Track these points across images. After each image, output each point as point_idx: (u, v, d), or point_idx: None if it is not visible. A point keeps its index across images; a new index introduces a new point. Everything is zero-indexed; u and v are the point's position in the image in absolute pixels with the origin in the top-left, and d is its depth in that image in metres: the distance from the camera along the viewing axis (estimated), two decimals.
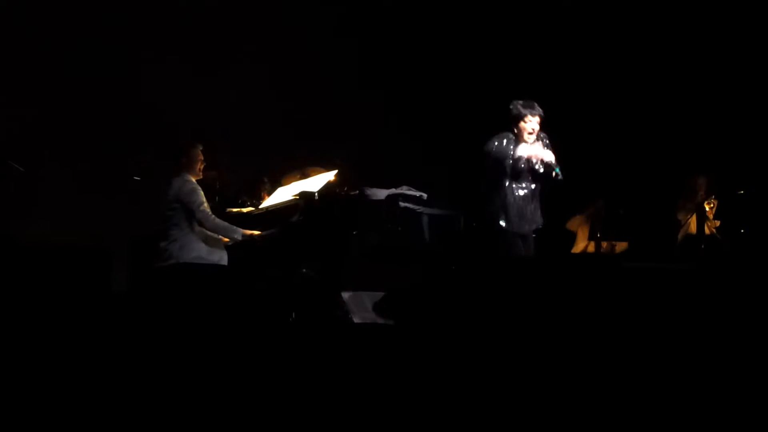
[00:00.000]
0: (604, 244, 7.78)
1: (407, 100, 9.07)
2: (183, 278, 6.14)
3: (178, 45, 8.66)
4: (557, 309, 5.08)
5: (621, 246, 7.79)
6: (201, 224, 6.23)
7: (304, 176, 7.06)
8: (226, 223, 6.34)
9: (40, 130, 8.18)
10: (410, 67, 9.17)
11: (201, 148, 6.41)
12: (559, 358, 4.83)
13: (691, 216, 7.63)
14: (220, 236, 6.33)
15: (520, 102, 6.43)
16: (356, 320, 5.96)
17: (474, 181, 6.61)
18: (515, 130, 6.43)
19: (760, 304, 4.93)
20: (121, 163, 8.04)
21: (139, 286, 7.06)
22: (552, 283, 5.28)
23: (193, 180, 6.35)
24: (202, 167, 6.43)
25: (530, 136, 6.38)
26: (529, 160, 6.33)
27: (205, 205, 6.27)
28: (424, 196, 6.71)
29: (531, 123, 6.37)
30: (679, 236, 7.68)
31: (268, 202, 6.82)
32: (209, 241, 6.28)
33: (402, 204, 6.57)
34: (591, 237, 7.97)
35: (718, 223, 7.61)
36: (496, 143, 6.39)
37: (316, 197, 6.38)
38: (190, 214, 6.22)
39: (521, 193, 6.38)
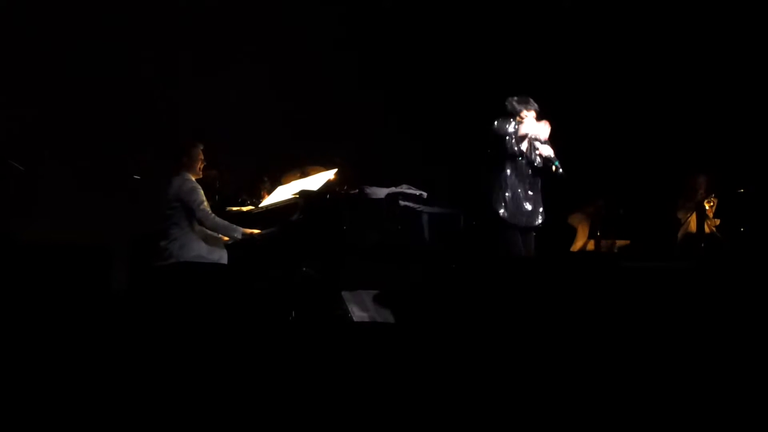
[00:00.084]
0: (604, 243, 7.80)
1: (407, 100, 9.08)
2: (183, 277, 6.13)
3: (178, 45, 8.66)
4: (557, 308, 5.08)
5: (621, 242, 7.81)
6: (201, 223, 6.23)
7: (304, 175, 7.06)
8: (226, 222, 6.34)
9: (40, 129, 8.17)
10: (410, 67, 9.17)
11: (201, 147, 6.41)
12: (560, 357, 4.82)
13: (691, 215, 7.64)
14: (220, 235, 6.33)
15: (515, 98, 6.43)
16: (356, 319, 5.96)
17: (474, 178, 6.61)
18: None
19: (760, 303, 4.93)
20: (121, 162, 8.04)
21: (139, 284, 7.06)
22: (552, 282, 5.28)
23: (193, 179, 6.35)
24: (202, 166, 6.42)
25: (522, 140, 6.37)
26: (531, 140, 6.30)
27: (205, 203, 6.26)
28: (424, 194, 6.72)
29: (527, 119, 6.37)
30: (679, 235, 7.70)
31: (268, 200, 6.82)
32: (209, 240, 6.28)
33: (402, 202, 6.58)
34: (591, 236, 7.99)
35: (717, 221, 7.63)
36: (500, 120, 6.35)
37: (316, 196, 6.38)
38: (190, 212, 6.21)
39: (520, 183, 6.35)
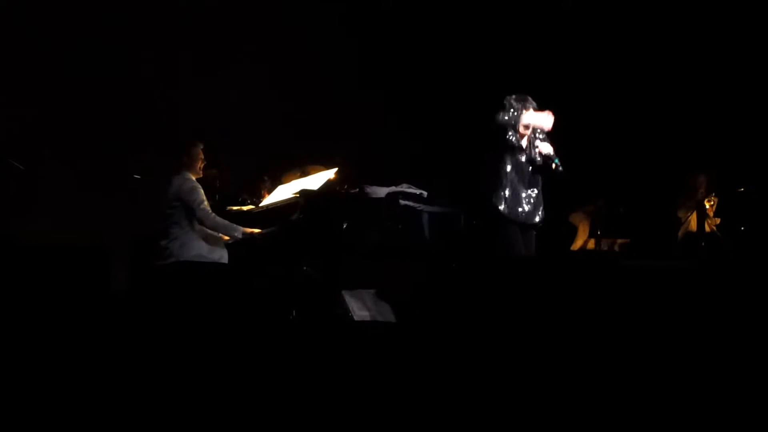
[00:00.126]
0: (604, 241, 7.81)
1: (407, 100, 9.08)
2: (183, 276, 6.13)
3: (178, 45, 8.67)
4: (558, 307, 5.07)
5: (622, 241, 7.81)
6: (201, 222, 6.23)
7: (304, 174, 7.05)
8: (226, 222, 6.34)
9: (40, 129, 8.17)
10: (410, 67, 9.18)
11: (202, 147, 6.41)
12: (560, 356, 4.82)
13: (692, 214, 7.64)
14: (221, 234, 6.33)
15: (513, 97, 6.40)
16: (356, 318, 5.96)
17: (474, 177, 6.60)
18: None
19: (761, 302, 4.93)
20: (121, 162, 8.04)
21: (139, 284, 7.06)
22: (552, 281, 5.28)
23: (194, 178, 6.35)
24: (202, 166, 6.43)
25: (526, 129, 6.36)
26: (531, 138, 6.30)
27: (206, 203, 6.26)
28: (425, 194, 6.71)
29: (528, 112, 6.35)
30: (680, 234, 7.70)
31: (269, 200, 6.82)
32: (209, 240, 6.28)
33: (402, 202, 6.57)
34: (591, 234, 7.99)
35: (718, 220, 7.63)
36: (502, 111, 6.33)
37: (316, 195, 6.38)
38: (191, 212, 6.21)
39: (520, 180, 6.33)
